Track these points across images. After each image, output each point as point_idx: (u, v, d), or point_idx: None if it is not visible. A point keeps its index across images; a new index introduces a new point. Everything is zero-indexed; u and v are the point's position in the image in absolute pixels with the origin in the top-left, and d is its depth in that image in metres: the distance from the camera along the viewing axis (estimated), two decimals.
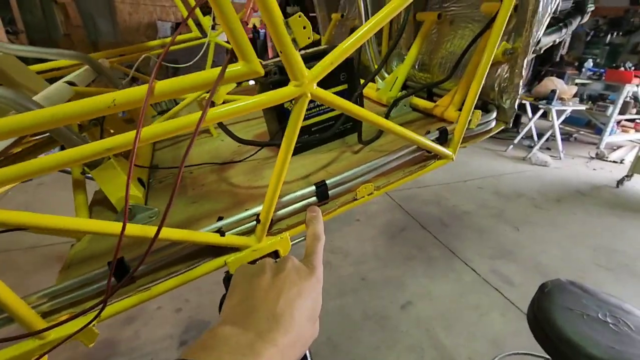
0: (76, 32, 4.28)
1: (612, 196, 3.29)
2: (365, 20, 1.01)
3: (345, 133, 0.75)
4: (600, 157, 4.13)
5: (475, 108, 0.63)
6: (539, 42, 0.59)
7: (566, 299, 1.20)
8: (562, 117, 4.02)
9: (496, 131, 0.66)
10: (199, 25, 1.30)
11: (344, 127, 0.74)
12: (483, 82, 0.56)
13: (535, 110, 4.16)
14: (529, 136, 4.39)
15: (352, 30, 1.09)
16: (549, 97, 3.87)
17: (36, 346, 0.41)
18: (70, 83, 0.77)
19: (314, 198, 0.52)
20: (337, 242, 2.55)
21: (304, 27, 0.37)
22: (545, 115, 4.22)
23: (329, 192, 0.53)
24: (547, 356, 1.16)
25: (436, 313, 1.96)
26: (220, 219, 0.48)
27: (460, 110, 0.70)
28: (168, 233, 0.42)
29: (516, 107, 0.64)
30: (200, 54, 1.20)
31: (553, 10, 0.61)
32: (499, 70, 0.66)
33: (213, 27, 1.26)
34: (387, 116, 0.74)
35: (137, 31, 4.96)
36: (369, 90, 0.93)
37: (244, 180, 0.66)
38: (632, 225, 2.78)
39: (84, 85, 0.83)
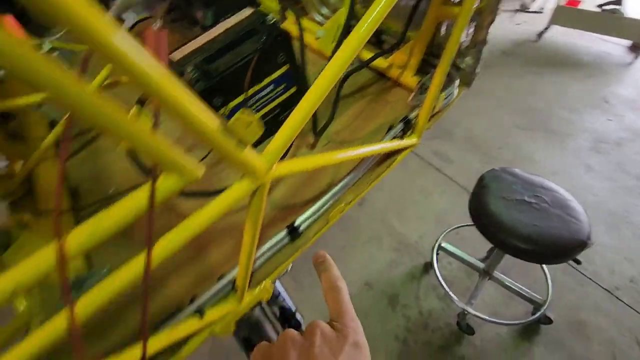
0: None
1: (533, 52, 3.47)
2: None
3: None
4: (524, 8, 4.16)
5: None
6: None
7: (500, 188, 1.37)
8: None
9: (458, 98, 0.61)
10: None
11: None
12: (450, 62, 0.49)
13: None
14: None
15: None
16: None
17: None
18: None
19: (287, 240, 0.48)
20: None
21: (250, 124, 0.27)
22: None
23: (300, 229, 0.49)
24: None
25: (389, 203, 2.18)
26: (192, 300, 0.44)
27: (417, 74, 0.63)
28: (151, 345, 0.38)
29: (478, 69, 0.58)
30: None
31: None
32: None
33: None
34: (337, 96, 0.63)
35: None
36: (307, 35, 0.77)
37: (195, 208, 0.58)
38: (549, 82, 3.04)
39: None
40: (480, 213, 1.34)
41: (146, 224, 0.30)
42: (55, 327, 0.29)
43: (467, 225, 1.92)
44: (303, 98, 0.34)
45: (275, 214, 0.53)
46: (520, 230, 1.24)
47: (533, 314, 1.59)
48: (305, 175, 0.57)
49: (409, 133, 0.56)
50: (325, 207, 0.50)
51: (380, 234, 2.03)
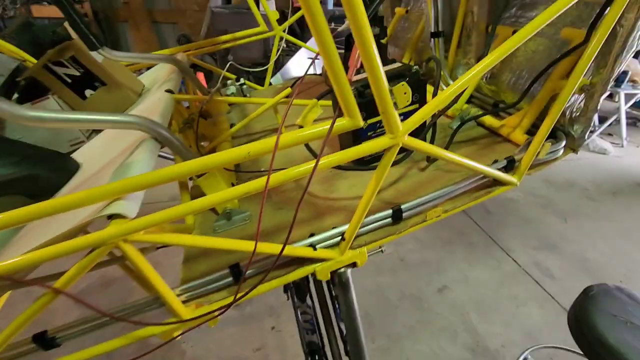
0: (134, 0, 4.46)
1: None
2: (435, 24, 1.02)
3: None
4: None
5: None
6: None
7: (611, 305, 1.22)
8: (632, 102, 3.69)
9: (562, 158, 0.69)
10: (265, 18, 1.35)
11: None
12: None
13: None
14: None
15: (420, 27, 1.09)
16: (619, 78, 3.54)
17: (177, 325, 0.54)
18: (169, 91, 0.87)
19: (389, 219, 0.60)
20: None
21: (405, 93, 0.43)
22: (610, 97, 3.89)
23: (403, 214, 0.60)
24: (581, 352, 1.20)
25: (472, 299, 2.03)
26: (312, 235, 0.58)
27: (527, 134, 0.73)
28: (277, 249, 0.53)
29: (586, 137, 0.66)
30: (278, 52, 1.31)
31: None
32: (572, 99, 0.68)
33: (279, 22, 1.31)
34: (452, 137, 0.77)
35: None
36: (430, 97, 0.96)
37: (319, 190, 0.75)
38: None
39: (176, 89, 0.94)
40: (582, 325, 1.20)
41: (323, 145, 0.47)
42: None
43: (562, 348, 1.66)
44: (432, 100, 0.49)
45: (389, 199, 0.66)
46: (631, 358, 1.06)
47: None
48: (418, 181, 0.70)
49: (510, 173, 0.65)
50: (426, 205, 0.60)
51: (456, 327, 1.88)
